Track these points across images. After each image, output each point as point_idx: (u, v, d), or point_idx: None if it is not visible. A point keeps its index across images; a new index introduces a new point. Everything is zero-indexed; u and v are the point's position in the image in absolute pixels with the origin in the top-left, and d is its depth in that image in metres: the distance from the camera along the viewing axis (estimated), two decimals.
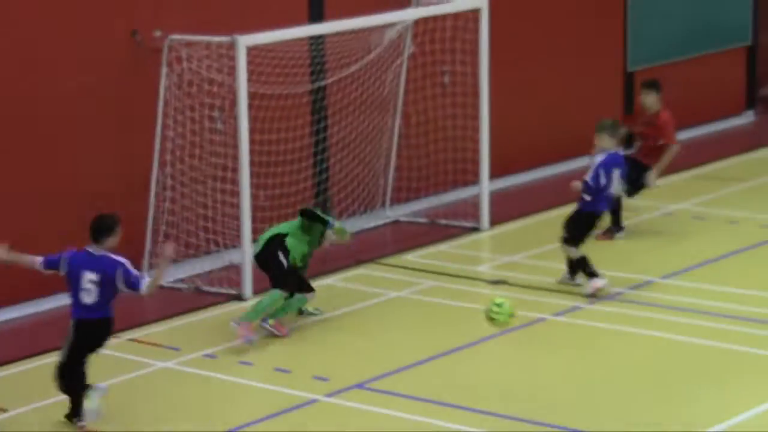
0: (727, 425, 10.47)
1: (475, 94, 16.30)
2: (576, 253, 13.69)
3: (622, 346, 12.51)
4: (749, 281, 14.17)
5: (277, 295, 12.89)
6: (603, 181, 13.85)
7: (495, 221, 16.39)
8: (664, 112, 15.77)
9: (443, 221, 16.33)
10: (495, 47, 16.56)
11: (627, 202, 15.70)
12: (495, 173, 17.06)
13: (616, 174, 14.10)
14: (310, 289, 13.13)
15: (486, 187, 16.28)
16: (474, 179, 16.39)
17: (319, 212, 13.51)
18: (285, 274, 12.87)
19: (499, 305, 11.51)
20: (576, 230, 13.94)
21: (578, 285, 13.65)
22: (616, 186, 14.48)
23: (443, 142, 16.87)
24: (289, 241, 13.10)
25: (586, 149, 14.66)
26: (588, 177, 13.95)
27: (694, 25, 20.79)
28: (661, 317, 13.21)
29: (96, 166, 13.99)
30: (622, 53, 19.90)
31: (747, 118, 21.73)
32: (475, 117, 16.36)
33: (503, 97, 17.07)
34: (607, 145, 14.14)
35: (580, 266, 13.76)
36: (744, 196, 17.54)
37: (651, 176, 15.44)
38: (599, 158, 14.14)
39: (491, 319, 11.56)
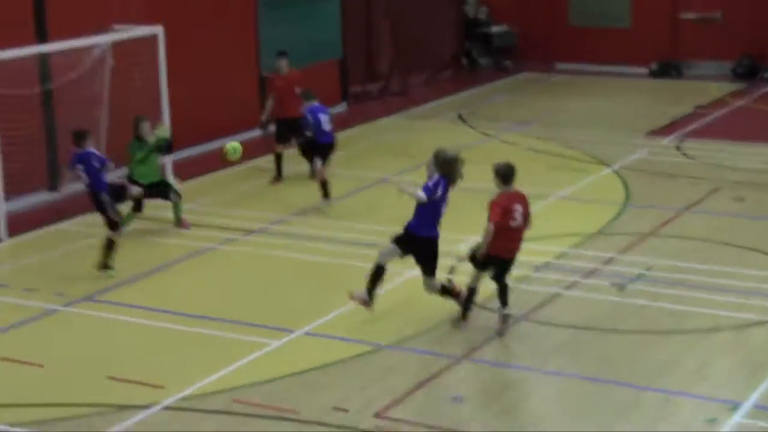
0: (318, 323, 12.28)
1: (157, 99, 17.47)
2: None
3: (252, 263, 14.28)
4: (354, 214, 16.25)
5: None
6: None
7: None
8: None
9: None
10: (170, 60, 17.65)
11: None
12: None
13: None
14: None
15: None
16: None
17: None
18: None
19: (234, 150, 13.13)
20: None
21: None
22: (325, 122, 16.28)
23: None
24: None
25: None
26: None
27: (305, 40, 22.28)
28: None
29: None
30: (256, 61, 21.39)
31: (342, 107, 23.73)
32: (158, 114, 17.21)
33: (175, 98, 17.93)
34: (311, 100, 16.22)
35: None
36: (342, 160, 18.63)
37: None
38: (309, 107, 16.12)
39: (226, 158, 13.19)
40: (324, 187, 16.38)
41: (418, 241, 12.12)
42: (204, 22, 20.33)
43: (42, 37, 17.33)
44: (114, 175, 15.33)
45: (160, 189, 15.45)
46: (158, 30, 17.65)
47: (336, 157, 17.97)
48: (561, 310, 12.77)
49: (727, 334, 12.19)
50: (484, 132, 21.61)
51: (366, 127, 22.32)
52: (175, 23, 18.99)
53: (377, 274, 12.25)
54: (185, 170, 18.65)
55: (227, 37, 20.90)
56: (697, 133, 21.25)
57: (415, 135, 21.29)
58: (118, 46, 17.39)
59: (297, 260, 14.48)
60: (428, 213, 11.96)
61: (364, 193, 17.69)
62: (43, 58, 16.92)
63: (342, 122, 22.36)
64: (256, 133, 20.12)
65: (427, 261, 12.22)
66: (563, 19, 28.54)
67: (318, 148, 16.54)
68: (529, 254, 14.43)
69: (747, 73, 26.58)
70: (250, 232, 15.63)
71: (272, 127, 18.61)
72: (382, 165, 18.99)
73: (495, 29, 28.64)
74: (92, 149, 14.23)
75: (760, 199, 16.92)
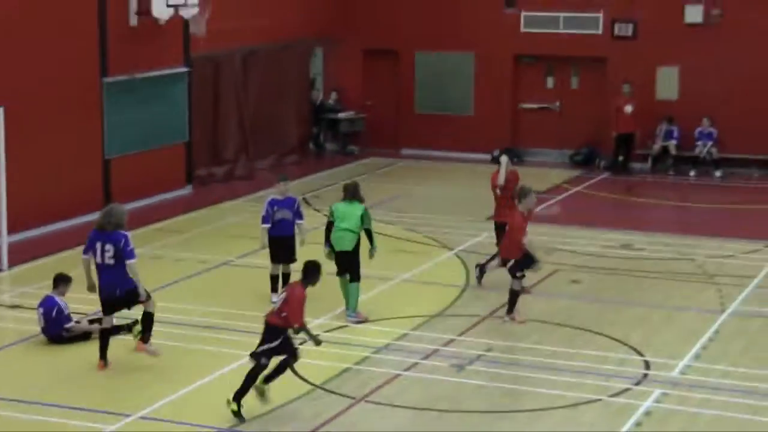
0: None
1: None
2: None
3: None
4: (194, 296, 16.22)
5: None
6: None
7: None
8: None
9: None
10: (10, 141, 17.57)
11: None
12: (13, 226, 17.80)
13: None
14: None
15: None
16: None
17: None
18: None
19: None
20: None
21: None
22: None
23: None
24: None
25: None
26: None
27: (151, 123, 22.37)
28: None
29: None
30: (101, 145, 21.29)
31: (187, 190, 23.62)
32: None
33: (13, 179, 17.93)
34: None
35: None
36: (186, 243, 19.33)
37: None
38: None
39: None
40: None
41: None
42: (47, 103, 20.09)
43: None
44: None
45: None
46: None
47: (180, 239, 17.62)
48: (401, 391, 12.75)
49: (562, 412, 12.31)
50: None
51: (210, 210, 22.23)
52: (17, 103, 18.80)
53: None
54: (24, 252, 18.31)
55: (71, 120, 20.65)
56: (537, 218, 21.58)
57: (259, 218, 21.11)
58: None
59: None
60: None
61: (205, 275, 17.58)
62: None
63: (186, 205, 22.62)
64: (95, 216, 19.77)
65: None
66: (409, 106, 28.97)
67: None
68: (369, 335, 14.47)
69: (584, 161, 27.33)
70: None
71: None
72: (225, 248, 18.94)
73: (342, 115, 28.88)
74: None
75: (596, 282, 17.28)
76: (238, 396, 11.87)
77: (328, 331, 14.84)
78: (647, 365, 13.72)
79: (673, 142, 26.80)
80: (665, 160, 26.95)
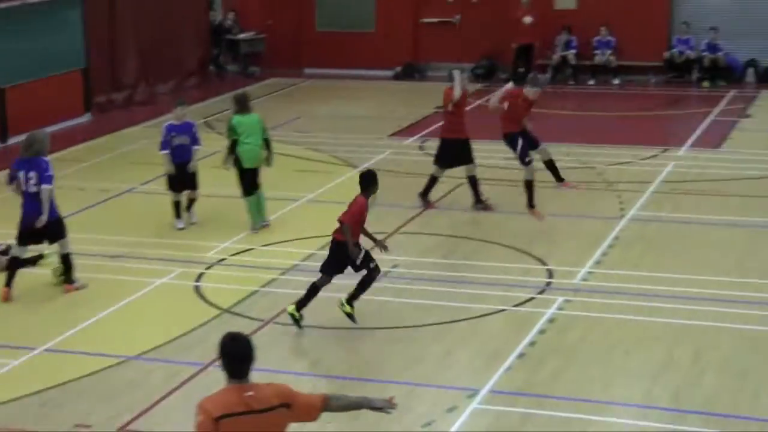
0: None
1: None
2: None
3: None
4: (98, 226, 15.87)
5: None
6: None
7: None
8: None
9: None
10: None
11: None
12: None
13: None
14: None
15: None
16: None
17: None
18: None
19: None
20: None
21: None
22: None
23: None
24: None
25: None
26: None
27: (44, 51, 21.89)
28: None
29: None
30: None
31: (86, 118, 23.38)
32: None
33: None
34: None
35: None
36: (87, 172, 19.12)
37: None
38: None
39: None
40: None
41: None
42: None
43: None
44: None
45: None
46: None
47: (80, 168, 17.38)
48: (310, 312, 12.80)
49: (467, 324, 12.51)
50: None
51: (111, 137, 21.98)
52: None
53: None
54: None
55: None
56: (439, 133, 21.70)
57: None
58: None
59: (44, 275, 13.92)
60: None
61: (108, 204, 17.46)
62: None
63: (86, 133, 22.34)
64: None
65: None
66: (311, 25, 28.73)
67: None
68: (276, 257, 14.49)
69: (486, 74, 27.43)
70: None
71: None
72: (127, 176, 18.78)
73: (242, 35, 28.55)
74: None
75: (499, 194, 17.44)
76: (300, 305, 12.10)
77: (234, 255, 14.82)
78: (550, 274, 13.97)
79: (572, 52, 27.00)
80: (565, 70, 27.17)
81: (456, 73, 16.40)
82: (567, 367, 11.33)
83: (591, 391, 10.84)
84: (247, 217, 15.67)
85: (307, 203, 17.32)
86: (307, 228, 15.84)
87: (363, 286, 12.20)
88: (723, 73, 26.42)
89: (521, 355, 11.61)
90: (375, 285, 12.90)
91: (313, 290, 12.17)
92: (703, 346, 11.76)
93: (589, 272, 14.02)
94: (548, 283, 13.70)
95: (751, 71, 26.61)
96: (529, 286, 13.54)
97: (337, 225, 12.25)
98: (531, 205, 15.88)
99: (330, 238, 12.38)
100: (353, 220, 12.05)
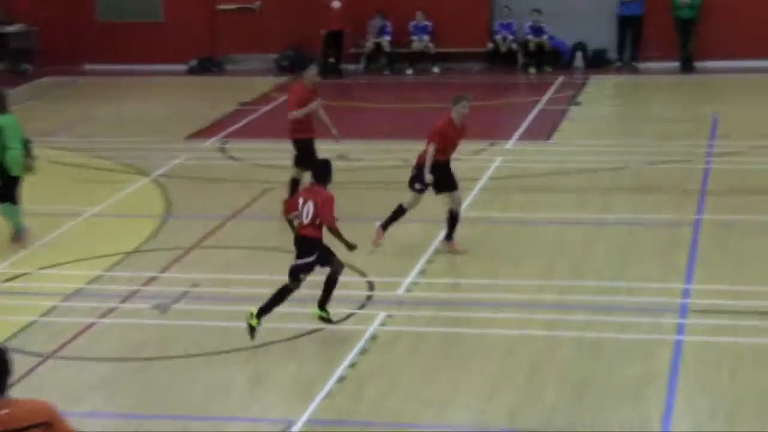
0: None
1: None
2: None
3: None
4: None
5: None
6: None
7: None
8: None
9: None
10: None
11: None
12: None
13: None
14: None
15: None
16: None
17: None
18: None
19: None
20: None
21: None
22: None
23: None
24: None
25: None
26: None
27: None
28: None
29: None
30: None
31: None
32: None
33: None
34: None
35: None
36: None
37: None
38: None
39: None
40: None
41: None
42: None
43: None
44: None
45: None
46: None
47: None
48: (96, 342, 12.46)
49: (280, 347, 12.34)
50: None
51: None
52: None
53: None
54: None
55: None
56: (243, 133, 21.57)
57: None
58: None
59: None
60: None
61: None
62: None
63: None
64: None
65: None
66: (90, 14, 28.14)
67: None
68: (57, 281, 14.08)
69: (291, 65, 27.34)
70: None
71: None
72: None
73: (11, 28, 27.77)
74: None
75: None
76: (262, 312, 12.02)
77: (7, 281, 14.33)
78: (371, 286, 13.91)
79: (386, 38, 27.18)
80: (379, 59, 27.33)
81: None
82: (393, 390, 11.28)
83: (420, 415, 10.81)
84: (8, 225, 15.17)
85: (92, 218, 16.93)
86: (93, 247, 15.48)
87: (329, 287, 12.40)
88: (549, 57, 27.00)
89: (341, 379, 11.52)
90: (175, 306, 12.63)
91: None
92: (539, 359, 11.87)
93: (413, 283, 14.05)
94: (369, 297, 13.66)
95: (579, 55, 27.27)
96: (347, 300, 13.45)
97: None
98: (384, 226, 15.44)
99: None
100: (334, 216, 12.21)
